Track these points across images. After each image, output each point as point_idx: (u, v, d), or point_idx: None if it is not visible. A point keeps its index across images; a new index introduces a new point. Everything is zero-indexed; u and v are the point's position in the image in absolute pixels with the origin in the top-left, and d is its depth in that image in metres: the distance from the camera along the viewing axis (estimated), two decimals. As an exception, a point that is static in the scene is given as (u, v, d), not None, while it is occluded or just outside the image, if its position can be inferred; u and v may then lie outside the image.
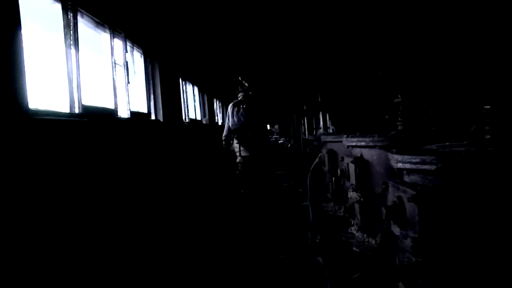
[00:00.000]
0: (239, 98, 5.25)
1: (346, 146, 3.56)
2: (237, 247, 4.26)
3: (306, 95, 11.33)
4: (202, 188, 7.10)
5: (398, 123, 3.54)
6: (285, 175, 10.00)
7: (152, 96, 4.98)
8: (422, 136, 3.00)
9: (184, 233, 4.64)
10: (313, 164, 5.25)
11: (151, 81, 4.98)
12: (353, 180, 3.30)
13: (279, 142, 19.48)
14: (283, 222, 5.25)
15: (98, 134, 3.10)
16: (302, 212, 5.42)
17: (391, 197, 2.17)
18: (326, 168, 4.81)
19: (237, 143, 5.17)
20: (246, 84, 5.23)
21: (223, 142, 5.37)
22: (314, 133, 8.31)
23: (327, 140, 4.75)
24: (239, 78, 5.33)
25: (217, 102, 11.17)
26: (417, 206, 1.83)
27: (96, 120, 3.06)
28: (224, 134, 5.32)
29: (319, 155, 5.25)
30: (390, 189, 2.19)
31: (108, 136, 3.31)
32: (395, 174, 2.60)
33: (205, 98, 9.08)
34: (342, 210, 4.63)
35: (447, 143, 2.26)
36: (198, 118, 8.35)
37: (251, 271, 3.60)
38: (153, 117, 4.98)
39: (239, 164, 5.25)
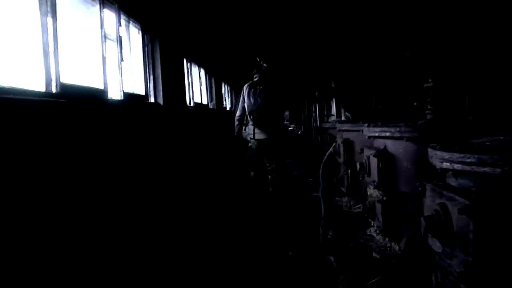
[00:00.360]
0: (255, 79, 5.04)
1: (367, 137, 3.11)
2: (242, 241, 3.90)
3: (318, 80, 10.82)
4: (208, 176, 6.73)
5: (427, 112, 3.06)
6: (295, 163, 9.61)
7: (151, 77, 4.56)
8: (459, 128, 2.54)
9: (184, 231, 4.27)
10: (327, 155, 4.81)
11: (150, 60, 4.55)
12: (374, 176, 2.87)
13: (289, 128, 19.01)
14: (292, 214, 4.92)
15: (81, 117, 2.69)
16: (313, 204, 5.09)
17: (430, 203, 1.73)
18: (341, 160, 4.38)
19: (252, 125, 5.00)
20: (265, 65, 5.02)
21: (236, 123, 5.22)
22: (326, 120, 7.83)
23: (343, 128, 4.29)
24: (257, 59, 5.08)
25: (226, 86, 10.71)
26: (472, 220, 1.39)
27: (79, 101, 2.65)
28: (237, 115, 5.17)
29: (333, 144, 4.79)
30: (429, 193, 1.75)
31: (94, 120, 2.91)
32: (434, 174, 2.15)
33: (213, 81, 8.64)
34: (359, 206, 4.20)
35: (502, 138, 1.80)
36: (205, 102, 7.93)
37: (255, 269, 3.22)
38: (152, 100, 4.56)
39: (252, 147, 5.08)
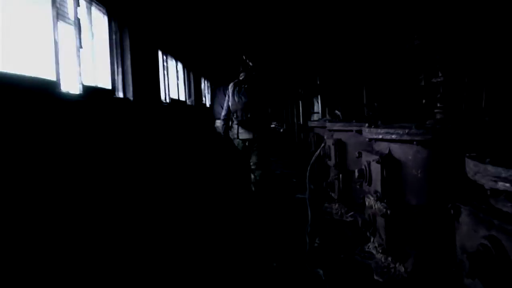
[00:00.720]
0: (241, 78, 4.98)
1: (367, 139, 2.69)
2: (221, 250, 3.44)
3: (302, 77, 10.43)
4: (187, 176, 6.22)
5: (436, 110, 2.66)
6: (277, 162, 9.17)
7: (120, 69, 4.03)
8: (478, 130, 2.15)
9: (153, 239, 3.78)
10: (314, 156, 4.39)
11: (119, 50, 4.02)
12: (377, 185, 2.45)
13: (271, 126, 18.62)
14: (275, 217, 4.49)
15: (23, 113, 2.18)
16: (297, 207, 4.74)
17: (470, 233, 1.31)
18: (331, 162, 3.96)
19: (236, 124, 4.92)
20: (251, 64, 4.99)
21: (222, 123, 5.16)
22: (313, 119, 7.45)
23: (335, 128, 3.87)
24: (243, 57, 5.06)
25: (206, 82, 10.19)
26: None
27: (14, 95, 2.13)
28: (223, 114, 5.10)
29: (322, 145, 4.38)
30: (467, 219, 1.33)
31: (42, 117, 2.39)
32: (461, 189, 1.75)
33: (191, 76, 8.11)
34: (351, 215, 3.80)
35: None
36: (182, 98, 7.40)
37: (236, 284, 2.77)
38: (120, 94, 4.04)
39: (238, 147, 5.04)
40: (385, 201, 2.37)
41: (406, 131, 2.25)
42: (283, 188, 6.19)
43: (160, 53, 5.77)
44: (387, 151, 2.44)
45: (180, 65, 7.30)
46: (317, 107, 11.55)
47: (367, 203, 2.69)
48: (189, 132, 7.05)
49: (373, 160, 2.44)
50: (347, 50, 5.77)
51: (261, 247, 3.56)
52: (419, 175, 2.27)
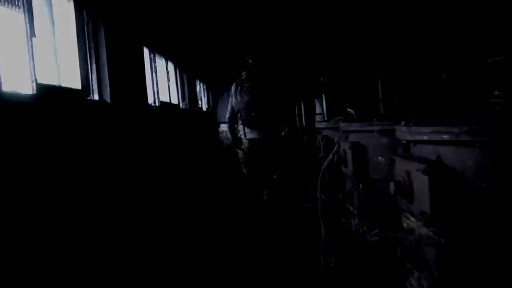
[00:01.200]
0: (243, 77, 4.90)
1: (403, 141, 2.05)
2: (228, 270, 3.11)
3: (303, 77, 9.83)
4: (180, 188, 5.59)
5: (494, 100, 2.04)
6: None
7: (94, 67, 3.41)
8: None
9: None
10: (326, 162, 3.74)
11: (92, 44, 3.41)
12: (423, 203, 1.81)
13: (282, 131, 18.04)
14: (283, 231, 4.18)
15: None
16: (306, 217, 4.47)
17: None
18: (348, 170, 3.32)
19: (242, 124, 4.83)
20: (250, 61, 4.89)
21: (227, 125, 5.05)
22: (317, 120, 6.84)
23: (351, 129, 3.23)
24: (247, 58, 4.94)
25: (201, 84, 9.54)
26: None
27: None
28: (227, 116, 4.99)
29: (335, 149, 3.74)
30: None
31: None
32: None
33: (185, 78, 7.47)
34: (376, 233, 3.16)
35: None
36: (175, 102, 6.77)
37: None
38: (95, 96, 3.42)
39: (244, 149, 4.88)
40: (436, 226, 1.73)
41: (466, 129, 1.62)
42: (288, 195, 5.71)
43: (146, 50, 5.16)
44: (434, 157, 1.81)
45: (171, 65, 6.68)
46: (319, 108, 10.93)
47: (405, 225, 2.05)
48: (184, 137, 6.41)
49: (417, 170, 1.80)
50: (357, 38, 5.15)
51: (271, 266, 3.30)
52: (484, 189, 1.63)
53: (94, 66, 3.42)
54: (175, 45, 6.71)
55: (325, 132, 4.73)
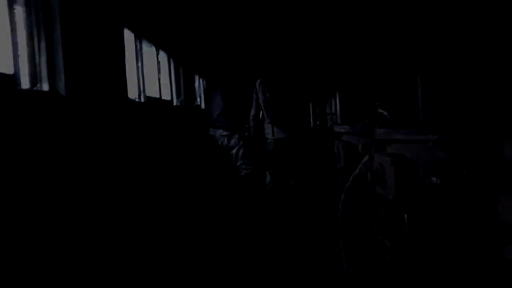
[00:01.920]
0: (268, 73, 4.84)
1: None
2: None
3: (313, 74, 8.95)
4: (172, 200, 4.71)
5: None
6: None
7: (42, 45, 2.53)
8: None
9: None
10: (351, 179, 2.82)
11: (40, 15, 2.52)
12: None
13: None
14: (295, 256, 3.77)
15: None
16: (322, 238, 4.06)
17: None
18: (388, 193, 2.35)
19: (269, 123, 4.75)
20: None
21: (251, 124, 5.07)
22: (337, 121, 5.97)
23: (395, 138, 2.29)
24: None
25: (200, 80, 8.64)
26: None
27: None
28: (252, 114, 5.03)
29: (363, 162, 2.81)
30: None
31: None
32: None
33: (181, 72, 6.57)
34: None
35: None
36: (167, 97, 5.88)
37: None
38: (44, 86, 2.54)
39: (268, 147, 4.81)
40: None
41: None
42: (299, 207, 5.11)
43: (129, 33, 4.27)
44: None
45: (164, 55, 5.78)
46: (327, 108, 10.04)
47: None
48: (178, 137, 5.52)
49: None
50: (384, 28, 4.24)
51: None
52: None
53: (42, 44, 2.55)
54: (170, 33, 5.82)
55: (346, 138, 3.81)
